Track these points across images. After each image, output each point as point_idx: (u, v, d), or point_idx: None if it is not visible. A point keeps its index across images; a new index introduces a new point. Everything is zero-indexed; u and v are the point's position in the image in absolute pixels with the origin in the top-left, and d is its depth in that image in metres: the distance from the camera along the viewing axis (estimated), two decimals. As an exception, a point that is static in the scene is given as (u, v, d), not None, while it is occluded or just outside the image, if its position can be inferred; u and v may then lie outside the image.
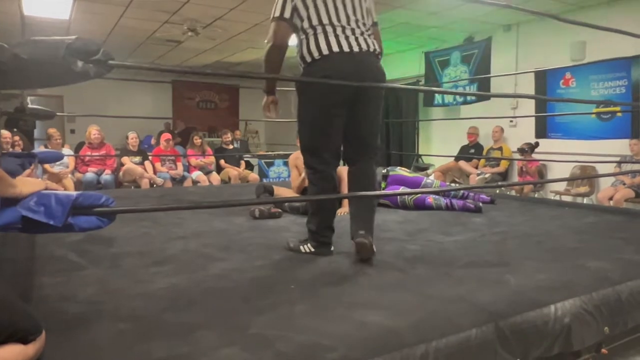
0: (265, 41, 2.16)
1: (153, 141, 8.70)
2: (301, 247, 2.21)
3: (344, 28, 2.06)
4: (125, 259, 2.15)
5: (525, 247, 2.41)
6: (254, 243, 2.46)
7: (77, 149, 7.23)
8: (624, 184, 5.08)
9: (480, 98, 6.73)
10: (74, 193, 1.10)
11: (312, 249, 2.19)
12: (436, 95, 7.47)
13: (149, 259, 2.14)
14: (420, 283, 1.80)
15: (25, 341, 1.08)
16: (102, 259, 2.15)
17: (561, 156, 5.53)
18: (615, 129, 5.53)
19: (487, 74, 6.47)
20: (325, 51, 2.03)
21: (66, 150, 6.22)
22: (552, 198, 5.63)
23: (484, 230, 2.82)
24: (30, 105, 4.11)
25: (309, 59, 2.08)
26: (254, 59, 8.72)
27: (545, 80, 6.17)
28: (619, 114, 5.45)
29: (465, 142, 6.96)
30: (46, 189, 1.10)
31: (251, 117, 10.87)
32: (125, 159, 6.20)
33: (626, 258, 2.13)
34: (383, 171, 3.99)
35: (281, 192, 3.79)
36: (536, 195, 5.79)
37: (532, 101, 6.31)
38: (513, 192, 5.73)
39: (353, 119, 2.14)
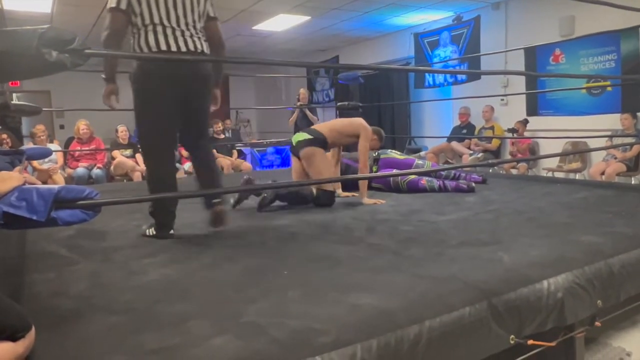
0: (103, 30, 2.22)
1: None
2: (147, 231, 2.35)
3: (174, 29, 2.19)
4: (117, 253, 2.13)
5: (517, 224, 2.42)
6: (245, 231, 2.45)
7: (67, 144, 7.16)
8: (616, 159, 5.09)
9: (471, 78, 6.69)
10: (55, 187, 1.08)
11: (154, 232, 2.33)
12: (427, 76, 7.43)
13: (140, 252, 2.13)
14: (413, 264, 1.80)
15: (13, 339, 1.07)
16: (94, 253, 2.14)
17: (553, 133, 5.53)
18: (605, 103, 5.52)
19: (476, 53, 6.44)
20: (154, 48, 2.17)
21: (55, 146, 6.15)
22: (545, 175, 5.65)
23: (476, 209, 2.82)
24: (15, 102, 4.05)
25: None
26: (243, 45, 8.63)
27: (535, 57, 6.14)
28: (609, 89, 5.43)
29: (457, 122, 6.95)
30: (25, 183, 1.08)
31: (242, 106, 10.81)
32: (115, 153, 6.15)
33: (617, 231, 2.14)
34: (374, 154, 3.98)
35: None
36: (528, 173, 5.81)
37: (523, 80, 6.29)
38: (503, 172, 5.74)
39: (188, 111, 2.31)
